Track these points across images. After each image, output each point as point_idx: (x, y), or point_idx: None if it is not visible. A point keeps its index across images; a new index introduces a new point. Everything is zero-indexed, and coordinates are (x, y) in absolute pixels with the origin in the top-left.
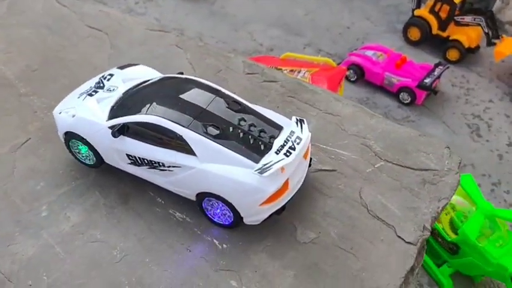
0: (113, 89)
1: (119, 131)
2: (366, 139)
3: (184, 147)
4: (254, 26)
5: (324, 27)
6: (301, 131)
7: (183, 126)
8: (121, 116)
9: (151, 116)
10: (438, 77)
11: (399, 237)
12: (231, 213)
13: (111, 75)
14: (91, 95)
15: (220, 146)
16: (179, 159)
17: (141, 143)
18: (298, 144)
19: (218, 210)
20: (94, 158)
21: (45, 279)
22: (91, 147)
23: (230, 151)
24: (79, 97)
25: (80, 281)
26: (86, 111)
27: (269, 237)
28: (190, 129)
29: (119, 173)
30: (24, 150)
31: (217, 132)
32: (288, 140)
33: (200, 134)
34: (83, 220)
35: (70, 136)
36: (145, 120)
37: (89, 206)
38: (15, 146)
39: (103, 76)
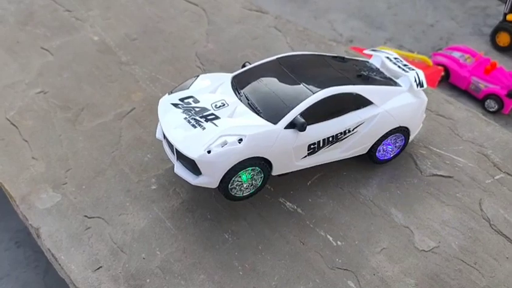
0: (222, 105)
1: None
2: (482, 147)
3: (359, 103)
4: (334, 15)
5: (406, 23)
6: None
7: (353, 84)
8: (287, 113)
9: (321, 90)
10: None
11: None
12: (403, 142)
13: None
14: (213, 116)
15: (383, 85)
16: (362, 115)
17: (321, 123)
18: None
19: (390, 146)
20: (260, 181)
21: (158, 254)
22: (261, 166)
23: (390, 86)
24: (198, 123)
25: (194, 260)
26: (251, 127)
27: (385, 240)
28: (360, 84)
29: None
30: (129, 119)
31: (368, 78)
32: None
33: (366, 84)
34: (192, 198)
35: (231, 173)
36: (319, 99)
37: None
38: (120, 115)
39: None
